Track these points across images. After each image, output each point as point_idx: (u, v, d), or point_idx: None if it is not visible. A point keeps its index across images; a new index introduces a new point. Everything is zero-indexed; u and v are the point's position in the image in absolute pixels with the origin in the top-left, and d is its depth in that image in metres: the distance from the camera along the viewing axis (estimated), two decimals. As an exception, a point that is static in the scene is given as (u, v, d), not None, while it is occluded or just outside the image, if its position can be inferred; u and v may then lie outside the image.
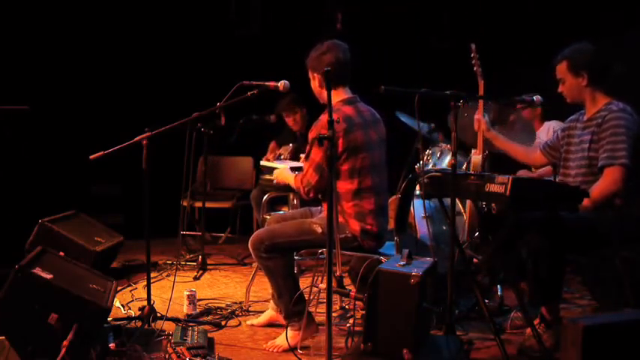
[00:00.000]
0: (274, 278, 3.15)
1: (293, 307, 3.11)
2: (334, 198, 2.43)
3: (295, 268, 3.50)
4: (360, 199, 3.10)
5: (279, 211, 4.90)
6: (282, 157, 4.90)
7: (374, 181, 3.13)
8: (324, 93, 3.17)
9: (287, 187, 3.52)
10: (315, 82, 3.22)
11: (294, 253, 3.33)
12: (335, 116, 2.47)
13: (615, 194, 3.02)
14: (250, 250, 3.20)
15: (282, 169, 3.43)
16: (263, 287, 4.03)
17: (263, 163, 4.29)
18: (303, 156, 3.26)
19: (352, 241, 3.11)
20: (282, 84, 3.21)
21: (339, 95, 3.14)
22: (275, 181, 3.43)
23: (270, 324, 3.45)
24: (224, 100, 3.31)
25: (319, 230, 3.10)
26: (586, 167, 3.15)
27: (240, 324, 3.51)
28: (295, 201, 4.58)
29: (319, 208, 3.42)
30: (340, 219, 3.10)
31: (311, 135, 3.11)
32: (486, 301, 3.36)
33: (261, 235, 3.16)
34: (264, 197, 4.72)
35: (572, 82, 3.24)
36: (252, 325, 3.48)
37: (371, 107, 3.27)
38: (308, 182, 3.10)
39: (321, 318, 3.20)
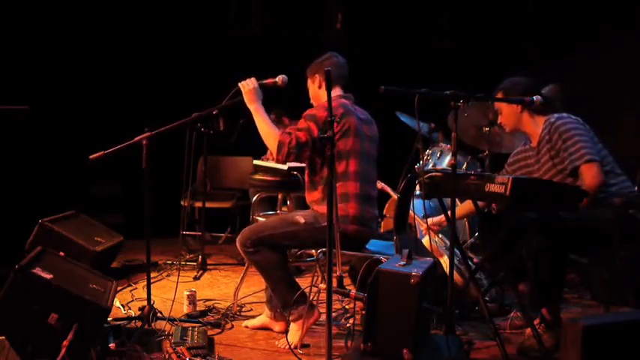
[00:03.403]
0: (265, 271, 3.15)
1: (289, 297, 3.09)
2: (334, 196, 2.43)
3: (292, 269, 3.45)
4: (344, 182, 3.12)
5: (275, 211, 4.86)
6: None
7: (361, 167, 3.16)
8: (322, 94, 3.20)
9: (277, 186, 3.41)
10: (314, 86, 3.31)
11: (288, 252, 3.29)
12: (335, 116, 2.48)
13: (602, 185, 3.05)
14: (239, 249, 3.19)
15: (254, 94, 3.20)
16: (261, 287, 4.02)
17: (256, 162, 4.21)
18: None
19: None
20: (280, 79, 3.21)
21: (334, 92, 3.19)
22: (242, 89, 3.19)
23: (264, 328, 3.40)
24: (224, 101, 3.31)
25: (302, 221, 3.11)
26: (562, 180, 3.17)
27: (232, 327, 3.49)
28: (289, 202, 4.52)
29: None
30: (321, 207, 3.07)
31: (310, 112, 3.11)
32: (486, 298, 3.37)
33: (246, 232, 3.18)
34: (254, 197, 4.64)
35: (508, 109, 3.33)
36: (247, 326, 3.44)
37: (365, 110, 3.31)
38: (297, 137, 3.05)
39: (321, 318, 3.20)
